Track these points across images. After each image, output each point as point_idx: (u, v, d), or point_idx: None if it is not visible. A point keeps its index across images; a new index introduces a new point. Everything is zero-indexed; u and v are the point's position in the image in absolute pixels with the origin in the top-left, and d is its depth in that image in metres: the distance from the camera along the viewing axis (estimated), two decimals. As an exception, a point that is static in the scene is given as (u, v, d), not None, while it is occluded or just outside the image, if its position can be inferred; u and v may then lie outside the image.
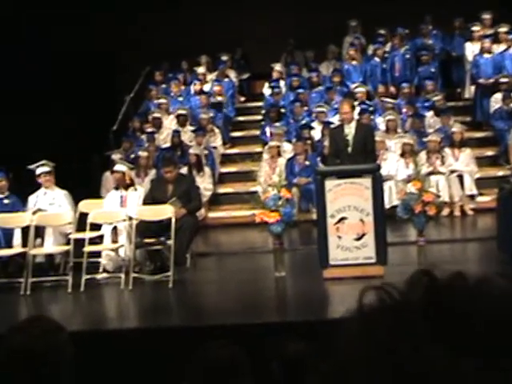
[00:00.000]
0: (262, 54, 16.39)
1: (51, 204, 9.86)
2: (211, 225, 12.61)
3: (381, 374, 0.79)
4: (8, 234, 9.61)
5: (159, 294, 8.50)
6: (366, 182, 8.18)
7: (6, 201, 9.95)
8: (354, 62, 15.72)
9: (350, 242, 8.17)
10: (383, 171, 10.17)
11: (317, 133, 13.64)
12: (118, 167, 10.07)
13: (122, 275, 8.80)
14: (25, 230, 9.41)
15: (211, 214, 12.99)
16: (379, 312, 0.83)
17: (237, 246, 11.07)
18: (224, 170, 14.19)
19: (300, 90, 15.05)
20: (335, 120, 13.35)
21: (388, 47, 15.99)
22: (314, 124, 13.93)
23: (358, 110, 12.46)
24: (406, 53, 15.66)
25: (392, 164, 12.50)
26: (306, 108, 14.64)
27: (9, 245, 9.57)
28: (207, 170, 13.11)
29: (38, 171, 9.90)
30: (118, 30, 15.57)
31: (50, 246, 9.60)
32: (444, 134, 12.96)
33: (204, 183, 12.70)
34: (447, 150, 12.62)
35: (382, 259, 8.06)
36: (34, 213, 9.54)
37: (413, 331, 0.79)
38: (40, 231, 9.56)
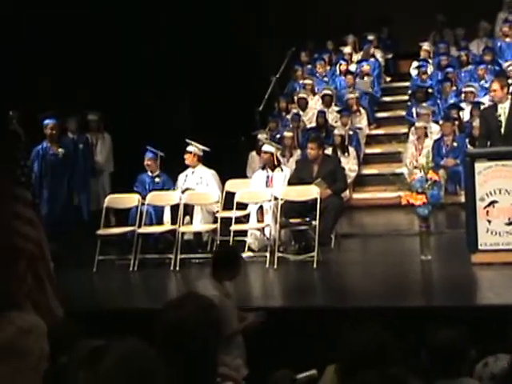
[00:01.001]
0: (409, 32, 16.03)
1: (198, 183, 10.11)
2: (356, 206, 12.54)
3: None
4: (159, 211, 9.94)
5: (303, 274, 8.56)
6: (520, 164, 7.88)
7: (156, 179, 10.29)
8: (507, 39, 15.09)
9: (500, 226, 7.90)
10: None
11: (465, 113, 13.24)
12: (267, 148, 10.15)
13: (267, 254, 8.92)
14: (174, 208, 9.72)
15: (356, 195, 12.93)
16: None
17: (382, 228, 10.96)
18: (369, 150, 14.04)
19: (449, 69, 14.63)
20: (485, 100, 12.91)
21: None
22: (462, 104, 13.52)
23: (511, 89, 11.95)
24: None
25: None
26: (454, 88, 14.23)
27: (159, 222, 9.90)
28: (352, 150, 13.03)
29: (188, 149, 10.18)
30: (264, 10, 15.70)
31: (198, 224, 9.85)
32: None
33: (349, 164, 12.63)
34: None
35: (536, 245, 7.76)
36: (183, 192, 9.83)
37: None
38: (188, 209, 9.84)
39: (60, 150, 10.08)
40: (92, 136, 12.34)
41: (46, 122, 10.25)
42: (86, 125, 12.35)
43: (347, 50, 16.14)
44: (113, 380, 1.91)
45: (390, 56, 16.94)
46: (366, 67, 15.36)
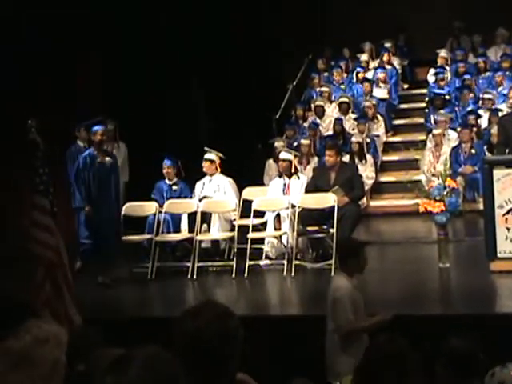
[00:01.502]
0: (425, 39, 16.00)
1: (216, 191, 10.12)
2: (373, 213, 12.50)
3: None
4: (176, 219, 9.96)
5: (321, 282, 8.50)
6: (539, 171, 7.83)
7: (174, 187, 10.30)
8: (525, 46, 15.02)
9: (519, 234, 7.85)
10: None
11: (483, 120, 13.18)
12: (285, 155, 10.14)
13: (285, 262, 8.91)
14: (191, 216, 9.73)
15: (373, 203, 12.88)
16: None
17: (399, 236, 10.91)
18: (386, 158, 14.01)
19: (466, 76, 14.58)
20: (503, 107, 12.85)
21: None
22: (480, 111, 13.47)
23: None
24: None
25: None
26: (472, 95, 14.17)
27: (177, 230, 9.92)
28: (369, 158, 13.00)
29: (205, 156, 10.17)
30: (283, 18, 15.71)
31: (216, 231, 9.85)
32: None
33: (366, 171, 12.60)
34: None
35: (555, 253, 7.69)
36: (200, 200, 9.84)
37: None
38: (206, 217, 9.84)
39: (107, 158, 9.89)
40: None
41: (96, 128, 9.74)
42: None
43: (364, 57, 16.12)
44: None
45: (406, 63, 16.91)
46: (380, 75, 15.34)
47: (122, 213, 9.77)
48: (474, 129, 12.75)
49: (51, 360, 2.30)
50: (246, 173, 11.58)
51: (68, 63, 11.40)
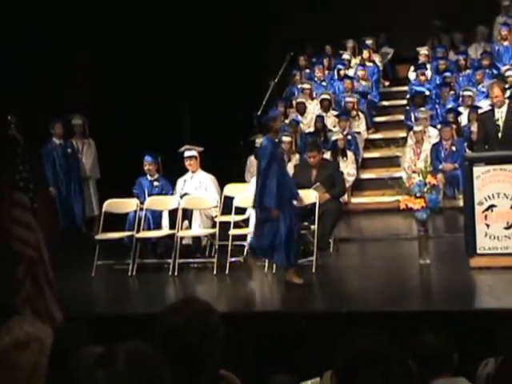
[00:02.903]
0: (406, 37, 16.08)
1: (197, 188, 10.10)
2: (354, 210, 12.55)
3: None
4: (157, 216, 9.94)
5: (303, 278, 8.54)
6: (518, 168, 7.88)
7: (155, 183, 10.29)
8: (505, 43, 15.09)
9: (499, 230, 7.91)
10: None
11: (464, 117, 13.25)
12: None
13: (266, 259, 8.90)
14: (173, 213, 9.71)
15: (354, 200, 12.94)
16: None
17: (380, 232, 10.96)
18: (367, 155, 14.06)
19: (447, 74, 14.65)
20: (483, 104, 12.93)
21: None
22: (460, 108, 13.54)
23: (508, 93, 11.98)
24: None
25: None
26: (452, 92, 14.24)
27: (158, 227, 9.90)
28: (350, 155, 13.03)
29: (186, 154, 10.16)
30: (264, 15, 15.72)
31: (197, 228, 9.84)
32: None
33: (347, 168, 12.64)
34: None
35: (534, 249, 7.76)
36: (182, 196, 9.83)
37: None
38: (187, 214, 9.83)
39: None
40: (77, 141, 12.23)
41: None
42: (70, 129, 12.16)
43: (346, 56, 16.16)
44: (131, 378, 1.92)
45: (389, 56, 16.96)
46: (360, 72, 15.40)
47: (103, 209, 9.77)
48: (454, 126, 12.82)
49: (30, 364, 2.26)
50: (227, 169, 11.59)
51: (68, 63, 11.40)
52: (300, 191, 9.27)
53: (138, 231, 9.49)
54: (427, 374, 3.66)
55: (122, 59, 12.50)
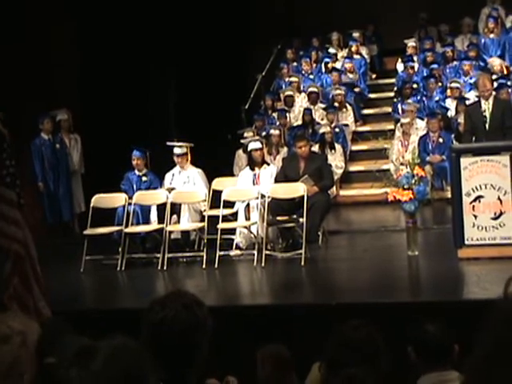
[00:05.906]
0: (393, 30, 16.09)
1: (185, 182, 10.09)
2: (342, 203, 12.57)
3: None
4: (145, 210, 9.92)
5: (291, 272, 8.56)
6: (504, 159, 7.91)
7: (144, 178, 10.27)
8: (491, 35, 15.11)
9: (486, 221, 7.94)
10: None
11: (451, 109, 13.28)
12: (254, 145, 10.11)
13: (255, 252, 8.92)
14: (161, 207, 9.70)
15: (342, 192, 12.95)
16: None
17: (368, 224, 10.99)
18: (355, 147, 14.07)
19: (434, 66, 14.67)
20: (470, 96, 12.96)
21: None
22: (447, 100, 13.57)
23: (495, 84, 12.01)
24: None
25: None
26: (439, 84, 14.27)
27: (146, 221, 9.88)
28: (338, 147, 13.05)
29: (175, 151, 10.13)
30: (251, 8, 15.70)
31: (186, 222, 9.83)
32: None
33: (335, 161, 12.65)
34: None
35: (521, 239, 7.79)
36: (169, 191, 9.80)
37: None
38: (176, 208, 9.82)
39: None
40: (63, 136, 12.19)
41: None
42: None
43: (332, 50, 16.14)
44: (106, 377, 1.91)
45: (374, 52, 16.97)
46: (347, 65, 15.42)
47: (91, 204, 9.73)
48: (440, 116, 12.82)
49: (10, 359, 2.23)
50: (215, 163, 11.57)
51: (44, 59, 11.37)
52: (288, 184, 9.30)
53: (126, 226, 9.47)
54: (427, 362, 3.65)
55: (106, 51, 12.45)
